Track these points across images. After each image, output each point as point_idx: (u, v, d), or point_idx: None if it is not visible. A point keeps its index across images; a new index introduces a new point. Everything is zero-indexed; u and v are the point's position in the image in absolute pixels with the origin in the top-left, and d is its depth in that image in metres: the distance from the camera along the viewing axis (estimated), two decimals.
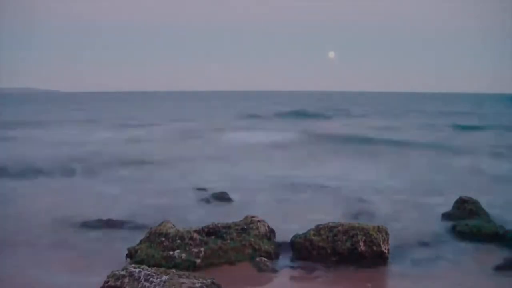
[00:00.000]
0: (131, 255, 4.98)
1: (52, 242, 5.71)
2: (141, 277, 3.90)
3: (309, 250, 5.16)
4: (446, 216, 6.70)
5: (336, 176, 9.67)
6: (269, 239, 5.38)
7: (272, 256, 5.15)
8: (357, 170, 10.62)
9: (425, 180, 9.52)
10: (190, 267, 4.75)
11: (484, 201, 6.72)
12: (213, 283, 3.99)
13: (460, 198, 6.83)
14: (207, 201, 7.70)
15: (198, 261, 4.87)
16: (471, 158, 12.62)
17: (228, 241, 5.14)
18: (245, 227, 5.33)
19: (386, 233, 5.14)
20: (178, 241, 5.03)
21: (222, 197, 7.80)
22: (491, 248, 5.52)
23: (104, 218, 6.48)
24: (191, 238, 5.06)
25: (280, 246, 5.41)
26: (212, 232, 5.30)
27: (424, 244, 5.67)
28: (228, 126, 21.97)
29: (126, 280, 3.90)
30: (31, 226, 6.29)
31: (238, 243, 5.12)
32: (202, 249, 4.97)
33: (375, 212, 7.00)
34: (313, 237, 5.19)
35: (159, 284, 3.82)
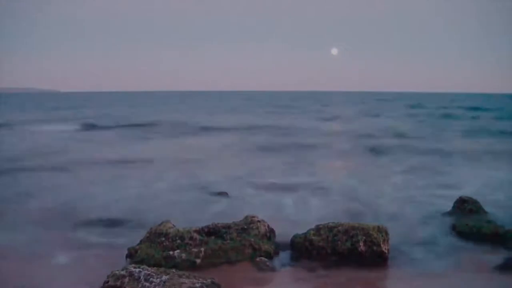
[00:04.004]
0: (131, 255, 4.99)
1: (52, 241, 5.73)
2: (141, 277, 3.90)
3: (309, 250, 5.17)
4: (446, 216, 6.70)
5: None
6: (269, 239, 5.38)
7: (272, 256, 5.15)
8: None
9: None
10: (190, 267, 4.76)
11: None
12: (213, 283, 4.00)
13: (460, 198, 6.83)
14: (207, 201, 7.70)
15: (198, 261, 4.88)
16: None
17: (228, 241, 5.15)
18: (245, 227, 5.33)
19: (386, 233, 5.15)
20: (178, 241, 5.04)
21: (222, 197, 7.80)
22: (491, 248, 5.52)
23: (104, 217, 6.50)
24: (191, 238, 5.06)
25: (280, 246, 5.41)
26: (212, 232, 5.31)
27: (424, 244, 5.67)
28: None
29: (126, 280, 3.91)
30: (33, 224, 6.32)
31: (238, 243, 5.13)
32: (202, 249, 4.97)
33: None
34: (313, 237, 5.19)
35: (159, 284, 3.83)
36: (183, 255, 4.88)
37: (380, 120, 28.21)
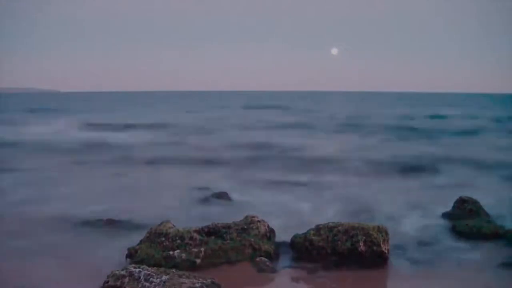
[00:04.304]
0: (131, 255, 4.98)
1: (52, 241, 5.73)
2: (141, 277, 3.90)
3: (309, 250, 5.16)
4: (446, 216, 6.70)
5: None
6: (269, 239, 5.38)
7: (272, 256, 5.15)
8: None
9: None
10: (190, 267, 4.75)
11: None
12: (213, 283, 4.00)
13: (460, 198, 6.82)
14: (207, 201, 7.69)
15: (198, 261, 4.88)
16: None
17: (228, 241, 5.14)
18: (245, 227, 5.33)
19: (386, 233, 5.14)
20: (178, 241, 5.03)
21: (222, 197, 7.79)
22: (491, 248, 5.52)
23: (104, 217, 6.49)
24: (191, 238, 5.06)
25: (280, 246, 5.41)
26: (212, 232, 5.30)
27: (424, 244, 5.66)
28: None
29: (126, 280, 3.91)
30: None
31: (238, 243, 5.12)
32: (202, 249, 4.97)
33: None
34: (313, 237, 5.19)
35: (159, 284, 3.83)
36: (183, 255, 4.88)
37: None
